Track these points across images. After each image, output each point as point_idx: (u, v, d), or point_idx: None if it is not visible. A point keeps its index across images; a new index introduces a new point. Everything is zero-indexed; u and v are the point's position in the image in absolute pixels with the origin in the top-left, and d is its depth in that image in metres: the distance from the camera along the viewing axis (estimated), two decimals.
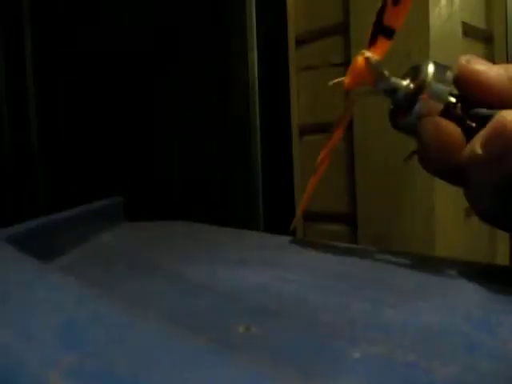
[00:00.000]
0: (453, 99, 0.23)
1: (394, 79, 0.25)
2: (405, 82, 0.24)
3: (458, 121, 0.23)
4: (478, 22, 0.63)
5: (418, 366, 0.14)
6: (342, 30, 0.61)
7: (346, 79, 0.28)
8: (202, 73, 0.80)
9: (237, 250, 0.34)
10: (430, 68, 0.23)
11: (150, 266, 0.29)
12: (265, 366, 0.14)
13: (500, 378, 0.14)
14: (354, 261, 0.28)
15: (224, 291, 0.22)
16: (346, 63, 0.61)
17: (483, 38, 0.65)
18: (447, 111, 0.23)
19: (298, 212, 0.35)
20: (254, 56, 0.70)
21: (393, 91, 0.25)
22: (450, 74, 0.23)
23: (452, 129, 0.23)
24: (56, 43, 1.03)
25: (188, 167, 0.83)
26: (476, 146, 0.22)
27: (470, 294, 0.21)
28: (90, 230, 0.41)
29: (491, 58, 0.67)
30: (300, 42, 0.66)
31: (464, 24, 0.58)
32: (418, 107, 0.24)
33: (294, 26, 0.66)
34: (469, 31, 0.60)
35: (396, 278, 0.24)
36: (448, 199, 0.52)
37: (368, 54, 0.26)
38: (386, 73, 0.25)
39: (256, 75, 0.70)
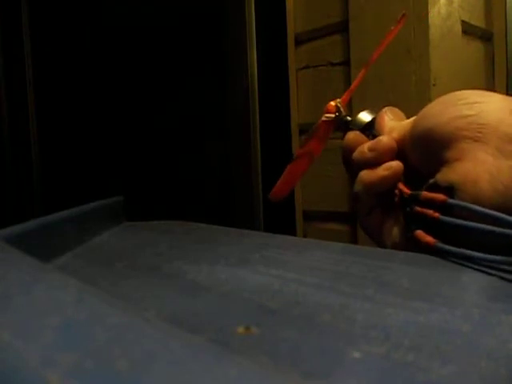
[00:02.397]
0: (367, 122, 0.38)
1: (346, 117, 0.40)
2: (349, 118, 0.40)
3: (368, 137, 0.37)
4: (478, 20, 0.63)
5: (418, 366, 0.14)
6: (342, 29, 0.61)
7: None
8: (202, 73, 0.80)
9: (237, 250, 0.34)
10: (360, 115, 0.38)
11: (149, 265, 0.29)
12: (265, 366, 0.14)
13: (500, 378, 0.14)
14: (354, 261, 0.28)
15: (224, 291, 0.22)
16: (346, 62, 0.61)
17: (482, 37, 0.65)
18: (363, 131, 0.38)
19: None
20: (253, 56, 0.70)
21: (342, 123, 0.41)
22: (368, 116, 0.38)
23: (357, 138, 0.36)
24: (54, 48, 1.03)
25: (188, 167, 0.83)
26: (364, 146, 0.34)
27: (470, 294, 0.21)
28: (90, 229, 0.41)
29: (490, 57, 0.67)
30: (299, 42, 0.66)
31: (463, 23, 0.58)
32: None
33: (294, 25, 0.66)
34: (468, 30, 0.60)
35: (396, 278, 0.24)
36: None
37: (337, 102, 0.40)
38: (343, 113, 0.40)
39: (256, 75, 0.70)
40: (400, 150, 0.33)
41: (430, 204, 0.30)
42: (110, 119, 0.95)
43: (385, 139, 0.33)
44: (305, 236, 0.68)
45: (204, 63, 0.79)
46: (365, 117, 0.38)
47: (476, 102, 0.29)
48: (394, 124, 0.35)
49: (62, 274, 0.17)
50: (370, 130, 0.37)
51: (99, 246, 0.38)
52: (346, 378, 0.14)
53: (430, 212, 0.29)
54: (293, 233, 0.67)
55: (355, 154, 0.35)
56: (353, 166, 0.35)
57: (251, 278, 0.25)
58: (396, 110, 0.37)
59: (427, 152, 0.31)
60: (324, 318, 0.18)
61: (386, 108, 0.36)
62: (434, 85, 0.52)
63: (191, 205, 0.82)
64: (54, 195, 1.03)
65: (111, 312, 0.13)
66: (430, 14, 0.53)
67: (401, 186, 0.33)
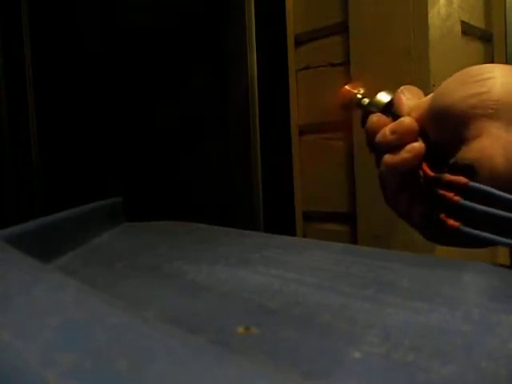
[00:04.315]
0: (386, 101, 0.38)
1: (363, 100, 0.41)
2: (367, 100, 0.40)
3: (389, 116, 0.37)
4: (477, 21, 0.63)
5: (418, 366, 0.14)
6: (342, 30, 0.61)
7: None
8: (202, 73, 0.80)
9: (237, 250, 0.34)
10: (379, 96, 0.38)
11: (149, 266, 0.29)
12: (265, 366, 0.14)
13: (500, 378, 0.14)
14: (354, 261, 0.28)
15: (224, 291, 0.22)
16: (346, 63, 0.61)
17: (482, 37, 0.65)
18: (383, 112, 0.37)
19: None
20: (253, 56, 0.70)
21: (360, 106, 0.42)
22: (387, 96, 0.38)
23: (380, 120, 0.36)
24: (54, 42, 1.03)
25: (188, 167, 0.83)
26: (386, 129, 0.34)
27: (469, 294, 0.21)
28: (90, 230, 0.41)
29: (490, 57, 0.67)
30: (299, 43, 0.66)
31: (463, 23, 0.58)
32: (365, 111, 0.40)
33: (294, 26, 0.66)
34: (468, 30, 0.60)
35: (396, 278, 0.24)
36: None
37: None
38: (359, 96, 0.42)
39: (255, 75, 0.70)
40: (421, 128, 0.34)
41: (452, 186, 0.30)
42: (110, 119, 0.95)
43: (406, 121, 0.34)
44: (304, 236, 0.68)
45: (204, 63, 0.79)
46: (383, 97, 0.38)
47: (488, 78, 0.29)
48: (412, 103, 0.35)
49: (62, 275, 0.17)
50: (389, 110, 0.37)
51: (99, 247, 0.38)
52: (346, 377, 0.14)
53: (451, 195, 0.30)
54: (292, 233, 0.67)
55: (378, 137, 0.35)
56: (377, 149, 0.36)
57: (251, 278, 0.25)
58: (413, 88, 0.37)
59: (446, 131, 0.32)
60: (324, 318, 0.18)
61: (403, 87, 0.36)
62: (433, 85, 0.52)
63: (191, 205, 0.83)
64: (54, 195, 1.03)
65: (111, 312, 0.13)
66: (430, 15, 0.53)
67: (424, 167, 0.33)
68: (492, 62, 0.67)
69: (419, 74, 0.53)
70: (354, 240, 0.60)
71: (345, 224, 0.62)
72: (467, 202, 0.29)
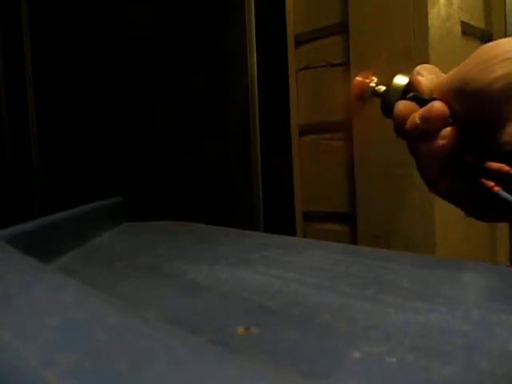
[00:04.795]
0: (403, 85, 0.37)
1: (378, 87, 0.42)
2: (383, 87, 0.40)
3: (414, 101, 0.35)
4: (477, 21, 0.63)
5: (418, 366, 0.14)
6: (341, 30, 0.61)
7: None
8: (202, 73, 0.80)
9: (237, 250, 0.34)
10: (395, 80, 0.38)
11: (149, 265, 0.29)
12: (265, 365, 0.14)
13: (500, 378, 0.14)
14: (354, 261, 0.28)
15: (224, 291, 0.22)
16: (345, 63, 0.61)
17: (482, 38, 0.65)
18: (403, 97, 0.36)
19: None
20: (253, 56, 0.70)
21: (377, 94, 0.42)
22: (404, 79, 0.37)
23: (407, 107, 0.34)
24: (54, 43, 1.03)
25: (188, 167, 0.83)
26: (416, 117, 0.33)
27: (469, 294, 0.21)
28: (90, 229, 0.41)
29: None
30: (299, 43, 0.66)
31: (463, 23, 0.58)
32: (388, 98, 0.38)
33: (293, 26, 0.66)
34: (468, 31, 0.60)
35: (396, 278, 0.24)
36: None
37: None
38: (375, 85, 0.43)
39: (255, 75, 0.70)
40: (449, 108, 0.33)
41: (494, 174, 0.29)
42: (110, 119, 0.95)
43: (436, 106, 0.32)
44: (304, 236, 0.68)
45: (204, 63, 0.79)
46: (401, 80, 0.37)
47: (508, 58, 0.29)
48: (431, 83, 0.34)
49: (62, 275, 0.17)
50: (408, 92, 0.36)
51: (99, 247, 0.38)
52: (346, 377, 0.14)
53: (491, 185, 0.29)
54: (292, 233, 0.67)
55: (409, 126, 0.34)
56: (408, 136, 0.35)
57: (251, 278, 0.25)
58: (428, 66, 0.35)
59: (477, 114, 0.31)
60: (324, 318, 0.18)
61: (418, 67, 0.35)
62: None
63: (191, 205, 0.83)
64: (54, 195, 1.03)
65: (111, 312, 0.13)
66: (430, 15, 0.53)
67: (462, 153, 0.32)
68: None
69: None
70: (354, 240, 0.60)
71: (345, 224, 0.62)
72: (505, 193, 0.29)
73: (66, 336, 0.11)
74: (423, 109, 0.33)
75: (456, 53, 0.56)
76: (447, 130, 0.32)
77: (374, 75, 0.40)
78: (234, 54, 0.72)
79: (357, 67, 0.58)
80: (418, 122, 0.33)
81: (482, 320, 0.18)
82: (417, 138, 0.33)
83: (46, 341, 0.11)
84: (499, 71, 0.29)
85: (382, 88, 0.39)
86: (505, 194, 0.29)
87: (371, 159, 0.57)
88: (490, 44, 0.31)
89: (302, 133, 0.67)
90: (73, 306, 0.13)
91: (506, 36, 0.66)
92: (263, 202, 0.70)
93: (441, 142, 0.32)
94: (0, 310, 0.12)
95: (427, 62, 0.53)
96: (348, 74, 0.60)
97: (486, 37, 0.66)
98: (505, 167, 0.29)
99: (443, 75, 0.34)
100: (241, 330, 0.17)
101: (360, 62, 0.58)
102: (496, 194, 0.29)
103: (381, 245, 0.56)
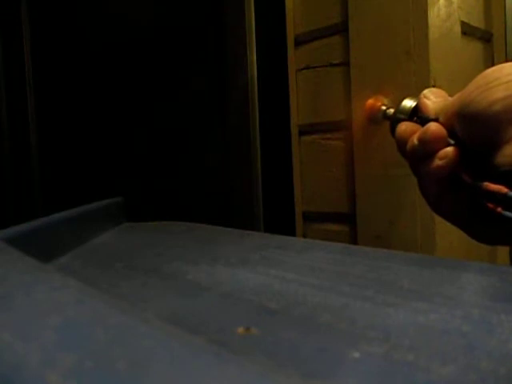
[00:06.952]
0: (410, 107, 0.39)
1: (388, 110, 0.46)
2: (392, 110, 0.41)
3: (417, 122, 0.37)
4: (477, 21, 0.63)
5: (418, 366, 0.14)
6: (341, 30, 0.61)
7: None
8: (202, 73, 0.80)
9: (237, 250, 0.34)
10: (403, 103, 0.39)
11: (149, 266, 0.29)
12: (265, 366, 0.14)
13: (500, 378, 0.14)
14: (354, 261, 0.28)
15: (224, 291, 0.22)
16: (345, 63, 0.61)
17: (482, 38, 0.65)
18: (411, 118, 0.38)
19: None
20: (253, 56, 0.70)
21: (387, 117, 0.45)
22: (412, 102, 0.39)
23: (408, 128, 0.36)
24: (54, 44, 1.03)
25: (188, 167, 0.83)
26: (414, 138, 0.34)
27: (469, 294, 0.21)
28: (90, 230, 0.41)
29: (490, 58, 0.67)
30: (299, 43, 0.66)
31: (463, 23, 0.58)
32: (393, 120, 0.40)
33: (293, 26, 0.66)
34: (468, 31, 0.60)
35: (396, 278, 0.24)
36: None
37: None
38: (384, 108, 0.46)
39: (255, 75, 0.70)
40: (452, 130, 0.33)
41: (493, 195, 0.30)
42: (110, 119, 0.95)
43: (431, 128, 0.33)
44: (304, 236, 0.68)
45: (204, 63, 0.79)
46: (408, 103, 0.38)
47: (509, 81, 0.29)
48: (437, 106, 0.35)
49: (62, 275, 0.17)
50: (416, 115, 0.37)
51: (99, 247, 0.38)
52: (346, 377, 0.14)
53: (492, 206, 0.30)
54: (292, 233, 0.67)
55: (408, 148, 0.35)
56: (409, 157, 0.36)
57: (251, 278, 0.25)
58: (435, 89, 0.36)
59: (477, 136, 0.31)
60: (324, 318, 0.18)
61: (426, 91, 0.36)
62: (433, 86, 0.52)
63: (191, 205, 0.83)
64: (54, 196, 1.03)
65: (111, 312, 0.13)
66: (430, 15, 0.53)
67: (462, 173, 0.32)
68: (492, 62, 0.67)
69: (419, 74, 0.53)
70: (353, 240, 0.60)
71: (345, 224, 0.62)
72: (508, 213, 0.29)
73: (67, 336, 0.11)
74: (420, 130, 0.34)
75: (456, 53, 0.56)
76: (445, 151, 0.33)
77: (384, 98, 0.42)
78: (233, 53, 0.72)
79: (357, 67, 0.58)
80: (416, 143, 0.34)
81: (482, 320, 0.18)
82: (416, 158, 0.34)
83: (47, 341, 0.11)
84: (499, 93, 0.29)
85: (392, 111, 0.41)
86: (509, 214, 0.29)
87: (371, 159, 0.57)
88: (493, 68, 0.31)
89: (301, 133, 0.67)
90: (73, 307, 0.13)
91: (506, 36, 0.66)
92: (263, 202, 0.70)
93: (438, 162, 0.33)
94: (0, 311, 0.12)
95: (427, 62, 0.53)
96: (348, 74, 0.60)
97: (485, 37, 0.66)
98: (503, 189, 0.29)
99: (449, 98, 0.34)
100: (241, 330, 0.17)
101: (360, 62, 0.58)
102: (500, 216, 0.29)
103: (381, 245, 0.56)
